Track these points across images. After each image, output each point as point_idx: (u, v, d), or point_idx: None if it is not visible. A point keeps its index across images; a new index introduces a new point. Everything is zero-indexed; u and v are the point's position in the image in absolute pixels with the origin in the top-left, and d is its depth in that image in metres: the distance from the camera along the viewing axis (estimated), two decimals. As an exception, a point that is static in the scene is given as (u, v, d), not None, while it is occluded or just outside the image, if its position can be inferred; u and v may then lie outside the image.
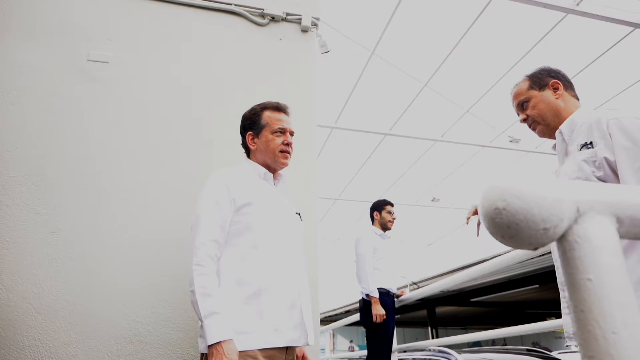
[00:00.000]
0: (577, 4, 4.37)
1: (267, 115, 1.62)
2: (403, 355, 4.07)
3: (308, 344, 1.45)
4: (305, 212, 1.78)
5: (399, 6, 4.73)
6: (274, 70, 2.28)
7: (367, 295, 3.43)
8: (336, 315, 13.81)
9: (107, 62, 2.02)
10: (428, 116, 6.56)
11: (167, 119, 2.04)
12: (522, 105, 1.50)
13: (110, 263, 1.75)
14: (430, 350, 3.56)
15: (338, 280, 11.65)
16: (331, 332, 15.97)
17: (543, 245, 0.36)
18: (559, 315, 1.56)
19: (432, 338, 11.21)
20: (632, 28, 4.73)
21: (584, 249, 0.35)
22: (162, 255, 1.81)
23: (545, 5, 4.32)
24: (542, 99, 1.45)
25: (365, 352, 3.61)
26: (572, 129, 1.37)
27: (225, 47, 2.24)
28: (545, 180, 0.37)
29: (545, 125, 1.46)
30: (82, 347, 1.63)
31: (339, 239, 11.37)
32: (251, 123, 1.64)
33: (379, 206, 3.82)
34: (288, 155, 1.61)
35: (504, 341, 14.03)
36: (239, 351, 1.30)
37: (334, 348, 16.43)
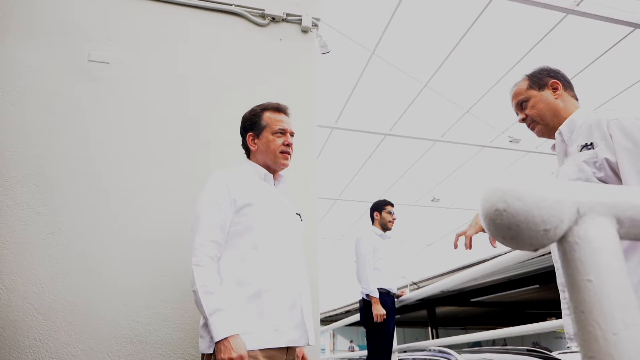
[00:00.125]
0: (577, 4, 4.37)
1: (268, 116, 1.63)
2: (403, 356, 4.07)
3: (309, 344, 1.46)
4: (305, 212, 1.78)
5: (399, 6, 4.74)
6: (274, 71, 2.28)
7: (367, 295, 3.43)
8: (336, 315, 13.80)
9: (108, 63, 2.02)
10: (428, 116, 6.56)
11: (167, 119, 2.04)
12: (521, 105, 1.50)
13: (111, 263, 1.76)
14: (430, 350, 3.56)
15: (338, 280, 11.65)
16: (331, 332, 15.97)
17: (543, 246, 0.36)
18: (559, 316, 1.57)
19: (432, 338, 11.20)
20: (632, 28, 4.74)
21: (584, 250, 0.35)
22: (163, 255, 1.82)
23: (546, 6, 4.32)
24: (541, 99, 1.45)
25: (365, 352, 3.61)
26: (571, 129, 1.37)
27: (226, 47, 2.25)
28: (545, 182, 0.37)
29: (544, 125, 1.45)
30: (83, 347, 1.63)
31: (339, 239, 11.37)
32: (251, 124, 1.64)
33: (379, 206, 3.83)
34: (288, 156, 1.62)
35: (504, 341, 14.02)
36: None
37: (334, 348, 16.43)
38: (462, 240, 1.67)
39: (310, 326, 1.48)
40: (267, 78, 2.25)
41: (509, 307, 12.41)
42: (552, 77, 1.46)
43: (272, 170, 1.63)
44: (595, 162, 1.23)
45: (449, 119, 6.62)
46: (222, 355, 1.24)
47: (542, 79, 1.47)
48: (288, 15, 2.36)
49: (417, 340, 13.36)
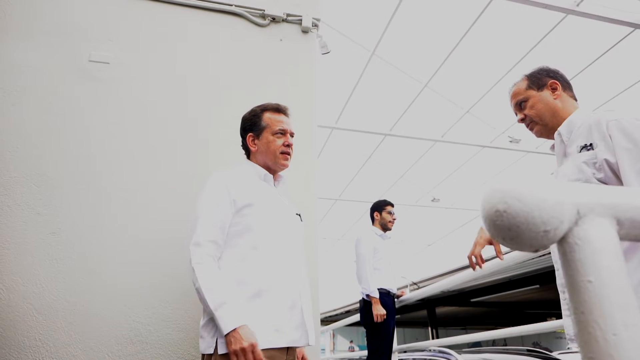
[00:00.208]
0: (577, 5, 4.37)
1: (267, 116, 1.63)
2: (403, 356, 4.07)
3: (309, 344, 1.46)
4: (305, 212, 1.78)
5: (399, 7, 4.74)
6: (274, 71, 2.28)
7: (367, 295, 3.43)
8: (336, 315, 13.80)
9: (108, 63, 2.03)
10: (428, 117, 6.56)
11: (167, 119, 2.04)
12: (520, 105, 1.50)
13: (111, 263, 1.76)
14: (430, 350, 3.56)
15: (338, 280, 11.65)
16: (331, 332, 15.97)
17: (544, 247, 0.36)
18: (559, 316, 1.57)
19: (433, 338, 11.21)
20: (632, 29, 4.74)
21: (584, 251, 0.35)
22: (163, 255, 1.82)
23: (546, 6, 4.32)
24: (540, 99, 1.45)
25: (365, 353, 3.61)
26: (570, 130, 1.37)
27: (226, 47, 2.25)
28: (545, 183, 0.37)
29: (542, 125, 1.45)
30: (83, 348, 1.63)
31: (339, 240, 11.37)
32: (251, 125, 1.64)
33: (379, 206, 3.83)
34: (289, 156, 1.62)
35: (504, 341, 14.02)
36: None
37: (334, 348, 16.43)
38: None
39: (311, 326, 1.48)
40: (267, 78, 2.25)
41: (509, 307, 12.42)
42: (551, 77, 1.46)
43: (272, 170, 1.63)
44: (595, 163, 1.23)
45: (449, 119, 6.62)
46: (233, 346, 1.24)
47: (541, 79, 1.47)
48: (288, 15, 2.37)
49: (417, 340, 13.36)
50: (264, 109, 1.65)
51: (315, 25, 2.41)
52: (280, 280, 1.44)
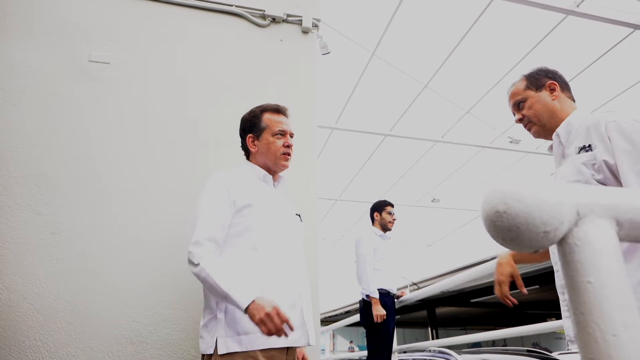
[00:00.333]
0: (577, 5, 4.37)
1: (267, 117, 1.63)
2: (403, 356, 4.07)
3: (309, 345, 1.46)
4: (305, 213, 1.78)
5: (399, 7, 4.74)
6: (274, 71, 2.28)
7: (367, 295, 3.43)
8: (336, 315, 13.80)
9: (108, 63, 2.03)
10: (428, 117, 6.56)
11: (167, 119, 2.04)
12: (518, 105, 1.49)
13: (111, 263, 1.76)
14: (430, 350, 3.56)
15: (338, 280, 11.65)
16: (331, 332, 15.96)
17: (543, 248, 0.37)
18: (559, 316, 1.57)
19: (432, 339, 11.21)
20: (632, 29, 4.74)
21: (584, 252, 0.36)
22: (163, 255, 1.82)
23: (546, 7, 4.32)
24: (538, 100, 1.45)
25: (365, 353, 3.61)
26: (568, 131, 1.37)
27: (227, 48, 2.25)
28: (545, 184, 0.37)
29: (540, 126, 1.45)
30: (83, 348, 1.63)
31: (339, 240, 11.37)
32: (251, 126, 1.64)
33: (379, 207, 3.83)
34: (289, 157, 1.62)
35: (504, 342, 14.02)
36: (240, 352, 1.31)
37: (334, 348, 16.42)
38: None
39: (311, 326, 1.48)
40: (267, 78, 2.25)
41: (509, 307, 12.40)
42: (550, 78, 1.46)
43: (272, 171, 1.63)
44: (594, 165, 1.23)
45: (449, 119, 6.62)
46: (258, 315, 1.25)
47: (540, 79, 1.47)
48: (288, 16, 2.37)
49: (417, 340, 13.36)
50: (264, 109, 1.65)
51: (316, 26, 2.41)
52: (280, 281, 1.44)
